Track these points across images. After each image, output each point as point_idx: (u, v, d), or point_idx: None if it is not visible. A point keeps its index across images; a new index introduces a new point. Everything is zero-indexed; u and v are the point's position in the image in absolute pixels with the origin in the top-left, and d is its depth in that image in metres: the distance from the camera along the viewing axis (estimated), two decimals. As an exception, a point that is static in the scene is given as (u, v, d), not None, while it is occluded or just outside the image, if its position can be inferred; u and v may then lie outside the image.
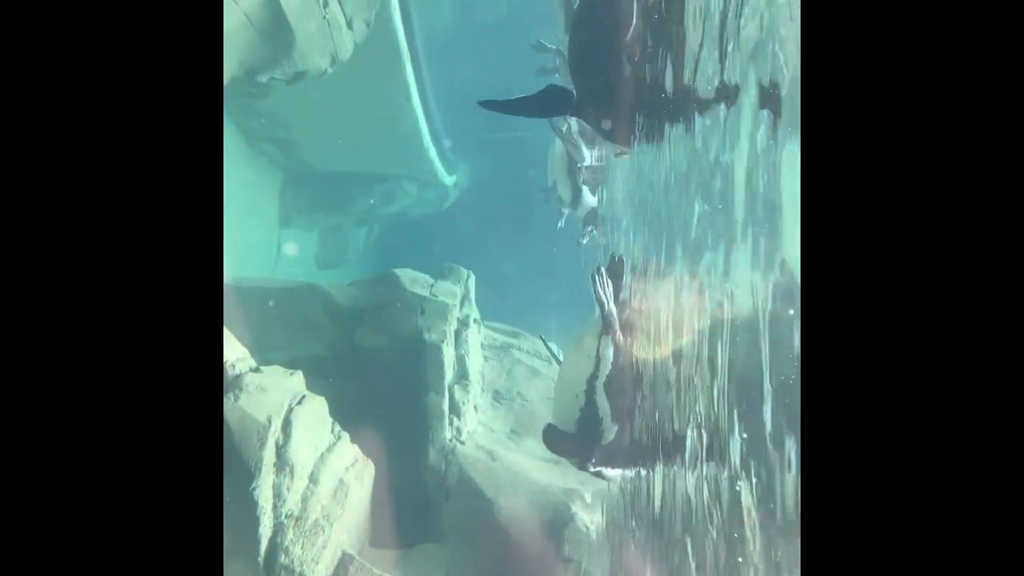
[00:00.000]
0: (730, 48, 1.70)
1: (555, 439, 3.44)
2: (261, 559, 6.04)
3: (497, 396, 10.25)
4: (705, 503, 1.70)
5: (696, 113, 1.99)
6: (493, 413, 9.90)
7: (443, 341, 9.27)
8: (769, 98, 1.42)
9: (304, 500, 6.46)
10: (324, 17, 8.49)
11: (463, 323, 10.10)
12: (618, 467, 3.28)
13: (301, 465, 6.46)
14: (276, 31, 7.95)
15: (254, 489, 6.05)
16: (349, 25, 9.16)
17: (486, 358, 10.76)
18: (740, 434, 1.52)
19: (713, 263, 1.92)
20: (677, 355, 2.39)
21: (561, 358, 4.18)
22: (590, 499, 7.85)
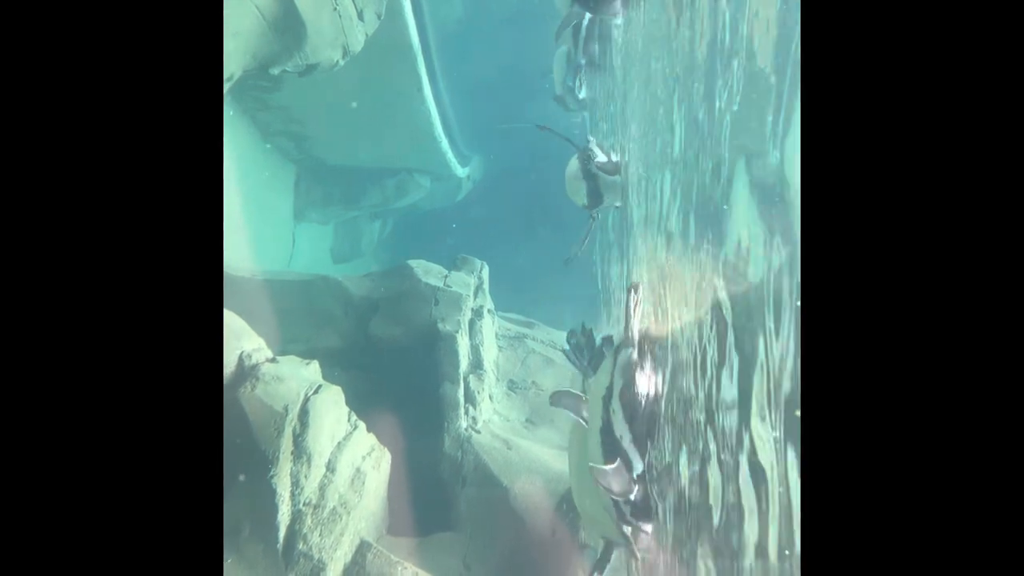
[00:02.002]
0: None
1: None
2: (280, 546, 6.11)
3: (512, 386, 10.27)
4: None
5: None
6: (508, 402, 9.92)
7: (457, 331, 9.30)
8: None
9: (321, 488, 6.52)
10: (335, 9, 8.52)
11: (477, 313, 10.13)
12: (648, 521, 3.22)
13: (318, 454, 6.52)
14: (288, 23, 7.98)
15: (272, 477, 6.12)
16: (360, 17, 9.18)
17: (500, 348, 10.78)
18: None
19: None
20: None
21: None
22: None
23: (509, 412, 9.73)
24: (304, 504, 6.33)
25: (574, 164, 4.95)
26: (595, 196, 4.90)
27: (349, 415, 7.22)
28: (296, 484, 6.31)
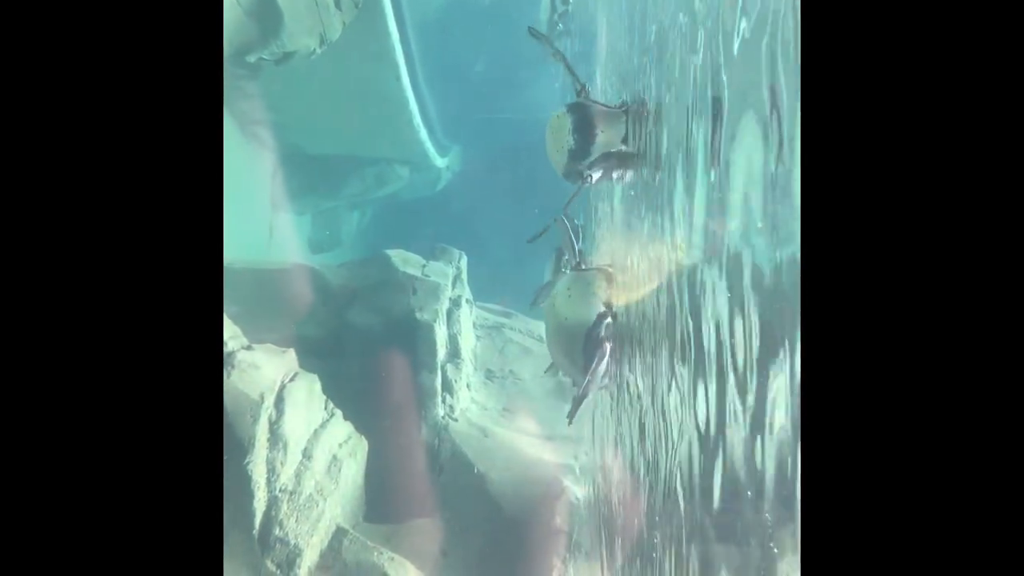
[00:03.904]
0: None
1: None
2: (256, 531, 6.15)
3: (489, 375, 10.34)
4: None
5: None
6: (485, 391, 10.00)
7: (435, 321, 9.34)
8: None
9: (298, 475, 6.56)
10: (312, -4, 8.48)
11: (455, 303, 10.17)
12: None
13: (294, 441, 6.55)
14: (264, 11, 7.94)
15: (248, 464, 6.14)
16: (338, 5, 9.14)
17: (478, 337, 10.84)
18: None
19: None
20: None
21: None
22: (580, 472, 7.97)
23: (486, 401, 9.81)
24: (280, 490, 6.36)
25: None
26: (585, 129, 3.38)
27: (326, 403, 7.26)
28: (272, 471, 6.34)
